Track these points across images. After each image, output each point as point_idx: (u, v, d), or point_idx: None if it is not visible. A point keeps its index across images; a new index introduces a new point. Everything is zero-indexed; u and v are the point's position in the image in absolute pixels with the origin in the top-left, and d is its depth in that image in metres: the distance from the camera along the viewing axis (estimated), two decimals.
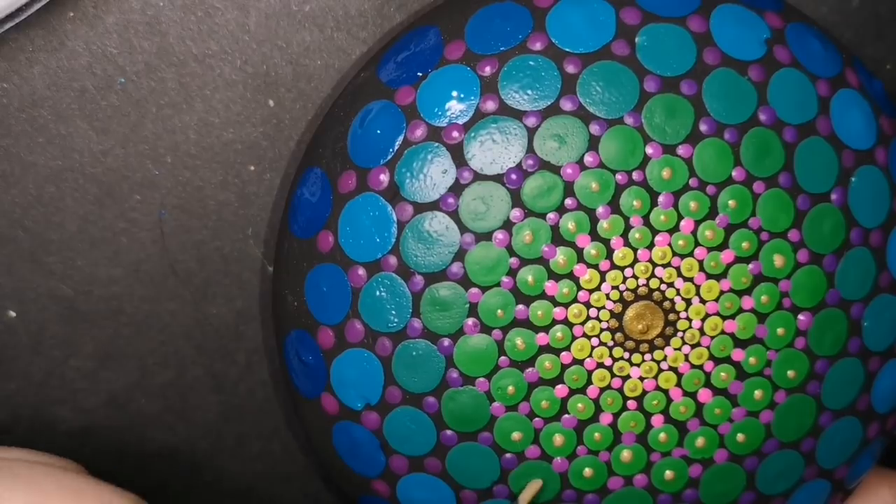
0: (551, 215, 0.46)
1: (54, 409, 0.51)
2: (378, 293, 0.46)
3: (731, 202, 0.46)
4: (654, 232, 0.46)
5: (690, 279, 0.46)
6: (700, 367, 0.47)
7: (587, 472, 0.47)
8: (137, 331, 0.51)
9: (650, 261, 0.46)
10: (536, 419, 0.46)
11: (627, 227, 0.46)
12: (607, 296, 0.46)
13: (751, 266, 0.46)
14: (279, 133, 0.50)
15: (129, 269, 0.50)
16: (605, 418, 0.47)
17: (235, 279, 0.51)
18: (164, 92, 0.50)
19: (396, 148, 0.46)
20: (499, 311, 0.46)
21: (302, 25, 0.50)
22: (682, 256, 0.46)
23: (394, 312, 0.46)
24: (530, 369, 0.46)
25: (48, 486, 0.44)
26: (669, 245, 0.46)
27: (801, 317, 0.47)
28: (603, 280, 0.46)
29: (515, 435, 0.47)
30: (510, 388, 0.46)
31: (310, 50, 0.50)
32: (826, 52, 0.48)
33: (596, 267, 0.46)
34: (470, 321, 0.46)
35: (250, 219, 0.50)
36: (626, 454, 0.47)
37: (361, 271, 0.46)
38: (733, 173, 0.46)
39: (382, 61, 0.48)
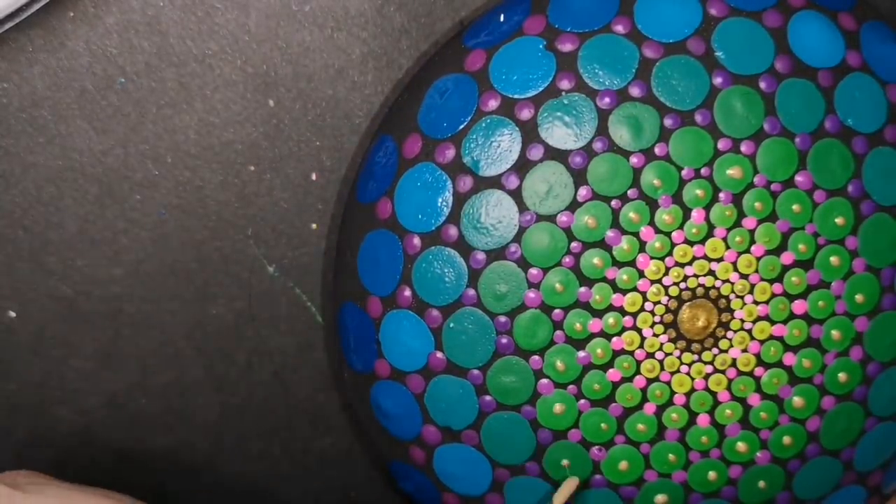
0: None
1: (54, 409, 0.51)
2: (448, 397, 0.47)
3: (795, 206, 0.46)
4: (712, 227, 0.46)
5: (746, 276, 0.46)
6: (750, 372, 0.47)
7: (623, 464, 0.47)
8: (137, 331, 0.51)
9: (705, 257, 0.46)
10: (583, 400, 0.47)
11: (686, 219, 0.46)
12: (666, 289, 0.46)
13: (809, 273, 0.47)
14: (279, 133, 0.50)
15: (129, 269, 0.50)
16: (650, 408, 0.47)
17: (235, 279, 0.51)
18: (164, 92, 0.50)
19: (402, 268, 0.47)
20: (558, 285, 0.46)
21: (302, 25, 0.50)
22: (740, 253, 0.46)
23: (449, 280, 0.47)
24: (583, 352, 0.47)
25: None
26: (725, 239, 0.46)
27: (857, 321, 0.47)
28: (666, 273, 0.46)
29: (558, 407, 0.47)
30: (559, 364, 0.47)
31: (310, 50, 0.50)
32: None
33: (662, 259, 0.46)
34: (531, 293, 0.46)
35: (250, 219, 0.50)
36: (671, 456, 0.47)
37: (418, 380, 0.48)
38: (797, 178, 0.46)
39: (359, 187, 0.49)
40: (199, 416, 0.51)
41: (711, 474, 0.47)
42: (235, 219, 0.50)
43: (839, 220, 0.46)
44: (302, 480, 0.52)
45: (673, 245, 0.46)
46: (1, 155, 0.49)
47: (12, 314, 0.50)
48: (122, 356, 0.51)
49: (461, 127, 0.47)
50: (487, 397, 0.47)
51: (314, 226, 0.51)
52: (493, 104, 0.47)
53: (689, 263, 0.46)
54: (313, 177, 0.50)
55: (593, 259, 0.46)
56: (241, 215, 0.50)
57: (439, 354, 0.47)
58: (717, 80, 0.46)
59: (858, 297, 0.47)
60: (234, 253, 0.51)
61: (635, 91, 0.46)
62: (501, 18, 0.48)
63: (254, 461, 0.52)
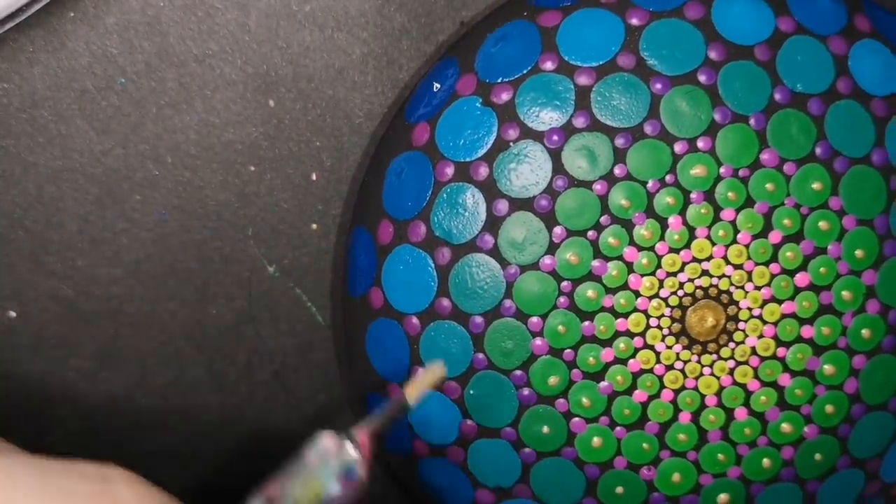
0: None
1: (54, 409, 0.51)
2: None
3: (768, 185, 0.46)
4: (692, 229, 0.46)
5: (740, 266, 0.46)
6: (772, 356, 0.47)
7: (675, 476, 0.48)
8: (137, 331, 0.51)
9: (694, 259, 0.46)
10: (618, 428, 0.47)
11: (664, 229, 0.46)
12: (666, 301, 0.46)
13: (801, 244, 0.47)
14: (279, 133, 0.50)
15: (129, 269, 0.50)
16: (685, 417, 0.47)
17: (235, 279, 0.51)
18: (164, 92, 0.50)
19: (409, 351, 0.48)
20: (560, 327, 0.46)
21: (302, 25, 0.50)
22: (727, 245, 0.46)
23: (456, 350, 0.47)
24: (604, 383, 0.47)
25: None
26: (708, 237, 0.46)
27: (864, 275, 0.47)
28: (661, 286, 0.46)
29: (596, 441, 0.47)
30: (585, 401, 0.47)
31: (310, 50, 0.50)
32: (832, 4, 0.48)
33: (653, 273, 0.46)
34: (537, 341, 0.47)
35: (250, 219, 0.50)
36: (721, 456, 0.47)
37: (457, 451, 0.48)
38: (763, 157, 0.46)
39: (349, 282, 0.49)
40: (199, 416, 0.51)
41: (765, 462, 0.48)
42: (235, 219, 0.50)
43: (816, 186, 0.46)
44: None
45: (659, 257, 0.46)
46: (1, 155, 0.49)
47: (12, 314, 0.50)
48: (122, 356, 0.51)
49: (425, 203, 0.47)
50: (527, 450, 0.47)
51: (314, 226, 0.51)
52: (448, 172, 0.47)
53: (681, 270, 0.46)
54: (313, 177, 0.50)
55: (587, 293, 0.46)
56: (241, 215, 0.50)
57: (469, 422, 0.47)
58: (657, 87, 0.46)
59: (858, 253, 0.47)
60: (234, 253, 0.51)
61: (580, 122, 0.46)
62: (436, 88, 0.48)
63: (254, 461, 0.52)
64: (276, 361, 0.51)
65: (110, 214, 0.50)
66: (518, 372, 0.47)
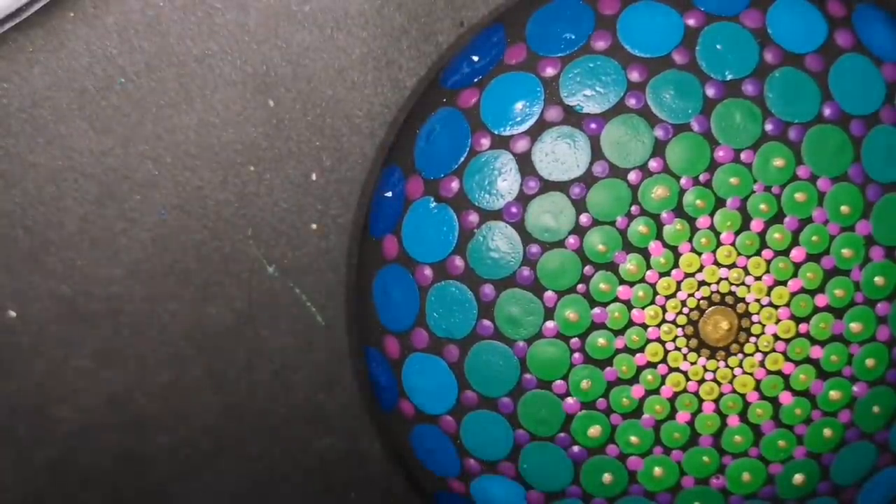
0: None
1: (54, 409, 0.51)
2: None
3: (797, 195, 0.46)
4: (718, 234, 0.46)
5: (759, 278, 0.46)
6: (778, 371, 0.47)
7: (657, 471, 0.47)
8: (137, 331, 0.51)
9: (715, 262, 0.46)
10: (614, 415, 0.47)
11: (693, 231, 0.46)
12: (683, 302, 0.46)
13: (823, 261, 0.46)
14: (279, 133, 0.50)
15: (128, 269, 0.50)
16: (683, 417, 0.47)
17: (235, 279, 0.51)
18: (164, 92, 0.50)
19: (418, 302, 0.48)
20: (571, 314, 0.46)
21: (302, 25, 0.50)
22: (749, 257, 0.46)
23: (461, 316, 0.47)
24: (609, 368, 0.47)
25: None
26: (733, 244, 0.46)
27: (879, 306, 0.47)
28: (679, 288, 0.46)
29: (592, 430, 0.47)
30: (584, 384, 0.47)
31: (309, 50, 0.50)
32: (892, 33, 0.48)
33: (668, 274, 0.46)
34: (550, 324, 0.47)
35: (250, 219, 0.50)
36: (706, 458, 0.47)
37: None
38: (798, 172, 0.46)
39: (371, 224, 0.49)
40: (199, 416, 0.51)
41: (745, 476, 0.48)
42: (235, 219, 0.50)
43: (845, 209, 0.46)
44: (302, 480, 0.52)
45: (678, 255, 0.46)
46: (1, 155, 0.49)
47: (12, 314, 0.50)
48: (121, 356, 0.51)
49: (456, 166, 0.47)
50: (521, 430, 0.47)
51: (314, 226, 0.51)
52: (484, 142, 0.47)
53: (700, 271, 0.46)
54: (313, 177, 0.50)
55: (600, 285, 0.46)
56: (241, 215, 0.50)
57: (469, 393, 0.47)
58: (711, 92, 0.46)
59: (878, 281, 0.46)
60: (234, 253, 0.51)
61: (632, 102, 0.46)
62: (475, 59, 0.48)
63: (254, 461, 0.52)
64: (276, 361, 0.51)
65: (110, 214, 0.50)
66: (521, 343, 0.47)
